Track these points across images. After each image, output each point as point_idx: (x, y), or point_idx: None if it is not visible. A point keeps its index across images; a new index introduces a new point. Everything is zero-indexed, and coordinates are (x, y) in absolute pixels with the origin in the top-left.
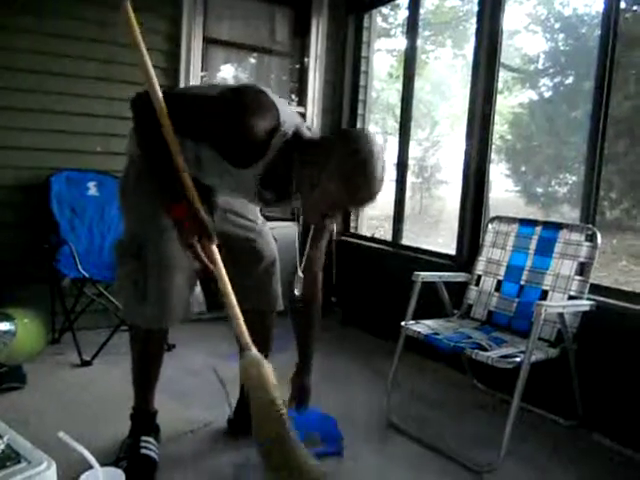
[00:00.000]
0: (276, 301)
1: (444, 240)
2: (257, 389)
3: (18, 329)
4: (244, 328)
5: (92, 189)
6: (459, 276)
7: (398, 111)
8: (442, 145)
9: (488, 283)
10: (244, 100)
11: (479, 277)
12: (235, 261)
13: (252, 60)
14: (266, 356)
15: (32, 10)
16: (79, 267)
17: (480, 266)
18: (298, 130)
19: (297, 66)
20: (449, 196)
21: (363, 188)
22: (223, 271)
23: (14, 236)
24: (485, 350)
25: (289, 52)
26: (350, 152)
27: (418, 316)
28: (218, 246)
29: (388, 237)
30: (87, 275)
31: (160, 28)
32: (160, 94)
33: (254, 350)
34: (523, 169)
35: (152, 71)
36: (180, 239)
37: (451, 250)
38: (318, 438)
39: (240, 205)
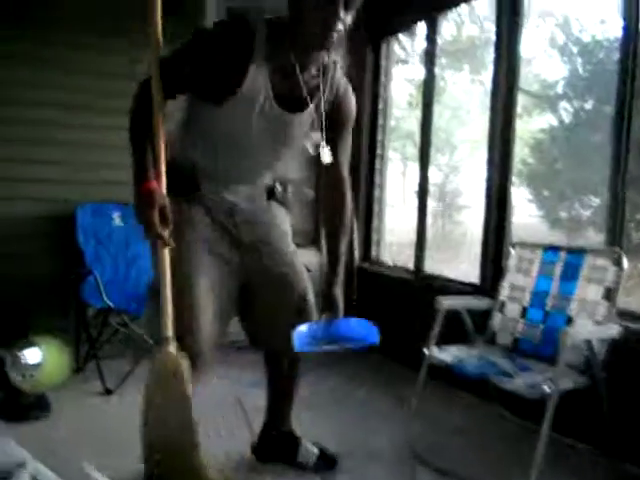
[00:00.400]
0: None
1: (467, 266)
2: (168, 389)
3: (44, 358)
4: (169, 320)
5: (117, 220)
6: (482, 302)
7: (417, 137)
8: (462, 170)
9: (512, 309)
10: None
11: (503, 303)
12: (263, 297)
13: None
14: (290, 407)
15: (60, 44)
16: (104, 297)
17: (504, 292)
18: (274, 17)
19: None
20: (471, 222)
21: None
22: (167, 258)
23: (42, 266)
24: (511, 378)
25: None
26: None
27: (441, 343)
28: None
29: (410, 264)
30: (112, 305)
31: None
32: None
33: (173, 347)
34: (546, 193)
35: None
36: (140, 214)
37: (474, 276)
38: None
39: (267, 230)
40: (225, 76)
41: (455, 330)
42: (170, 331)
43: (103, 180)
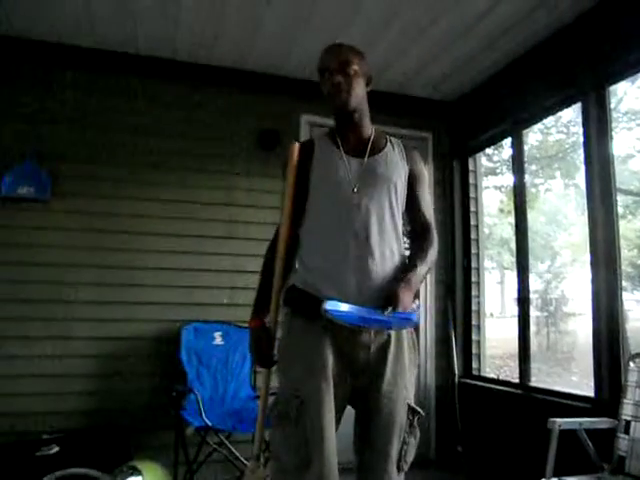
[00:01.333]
0: None
1: (579, 379)
2: None
3: None
4: (259, 438)
5: (217, 339)
6: (602, 422)
7: (513, 245)
8: (565, 276)
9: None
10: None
11: (627, 423)
12: (366, 431)
13: None
14: None
15: (167, 184)
16: (203, 416)
17: (627, 410)
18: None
19: None
20: (580, 330)
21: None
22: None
23: (145, 384)
24: None
25: None
26: None
27: (560, 471)
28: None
29: (514, 377)
30: (210, 424)
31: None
32: (287, 224)
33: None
34: None
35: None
36: (249, 346)
37: (589, 391)
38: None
39: (385, 363)
40: (304, 165)
41: (573, 454)
42: (257, 449)
43: (206, 301)
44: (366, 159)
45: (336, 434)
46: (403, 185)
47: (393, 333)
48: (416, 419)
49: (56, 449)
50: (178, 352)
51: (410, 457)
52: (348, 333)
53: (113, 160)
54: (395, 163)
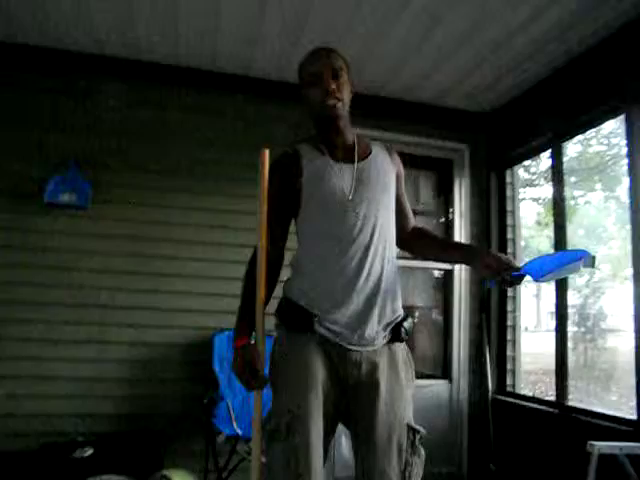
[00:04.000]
0: None
1: (619, 399)
2: None
3: None
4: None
5: None
6: None
7: None
8: (604, 291)
9: None
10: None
11: None
12: (363, 450)
13: None
14: None
15: (203, 193)
16: (234, 424)
17: None
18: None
19: (442, 220)
20: (620, 347)
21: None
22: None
23: (177, 391)
24: None
25: (434, 211)
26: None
27: None
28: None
29: (550, 394)
30: (240, 433)
31: None
32: (263, 236)
33: None
34: None
35: (265, 217)
36: (232, 366)
37: (629, 412)
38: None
39: (379, 378)
40: (291, 177)
41: (612, 478)
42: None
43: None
44: (356, 164)
45: (333, 453)
46: (394, 187)
47: (386, 350)
48: (417, 438)
49: (90, 452)
50: (210, 360)
51: (417, 477)
52: (339, 350)
53: (150, 168)
54: (385, 165)
